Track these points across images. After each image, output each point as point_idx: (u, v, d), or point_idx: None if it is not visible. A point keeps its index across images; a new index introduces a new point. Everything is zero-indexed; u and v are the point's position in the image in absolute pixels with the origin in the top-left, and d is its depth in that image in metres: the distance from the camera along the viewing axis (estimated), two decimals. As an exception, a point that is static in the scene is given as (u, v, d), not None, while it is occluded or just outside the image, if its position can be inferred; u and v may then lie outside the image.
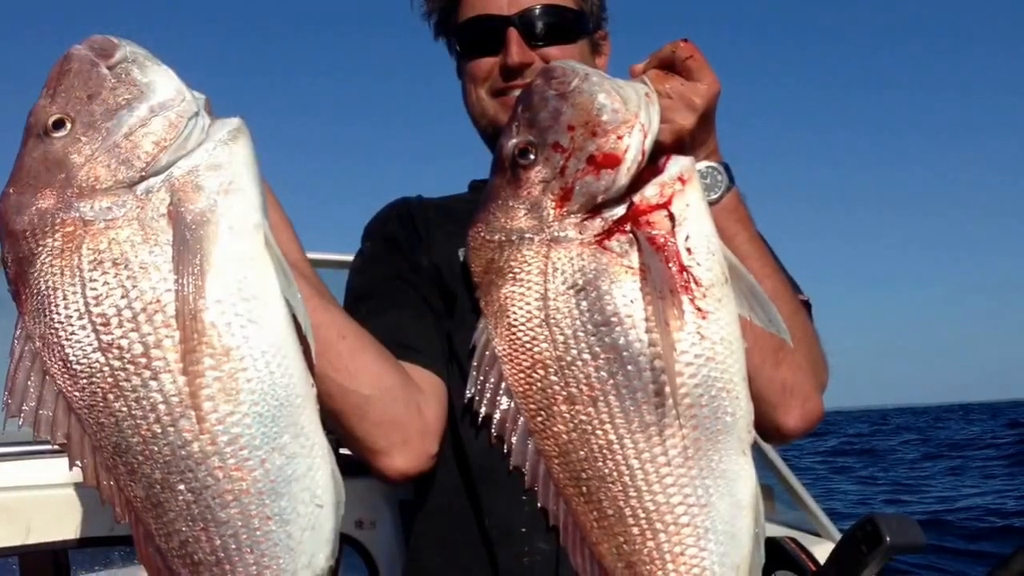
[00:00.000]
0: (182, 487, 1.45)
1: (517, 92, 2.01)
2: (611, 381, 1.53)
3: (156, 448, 1.44)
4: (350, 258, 2.26)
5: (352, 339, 1.77)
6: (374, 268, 2.16)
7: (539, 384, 1.57)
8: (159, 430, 1.43)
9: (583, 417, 1.55)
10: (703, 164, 1.75)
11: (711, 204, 1.68)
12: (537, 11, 2.07)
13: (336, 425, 1.80)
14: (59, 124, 1.47)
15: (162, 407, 1.42)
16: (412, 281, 2.12)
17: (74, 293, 1.42)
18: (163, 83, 1.49)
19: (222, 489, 1.45)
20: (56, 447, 1.47)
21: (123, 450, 1.45)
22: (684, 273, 1.53)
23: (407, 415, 1.86)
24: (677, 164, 1.59)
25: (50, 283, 1.43)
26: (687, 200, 1.57)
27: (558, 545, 1.63)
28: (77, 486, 2.39)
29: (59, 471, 2.39)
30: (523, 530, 1.95)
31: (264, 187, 1.54)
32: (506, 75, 2.10)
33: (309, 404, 1.49)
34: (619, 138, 1.55)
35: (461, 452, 2.02)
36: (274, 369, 1.45)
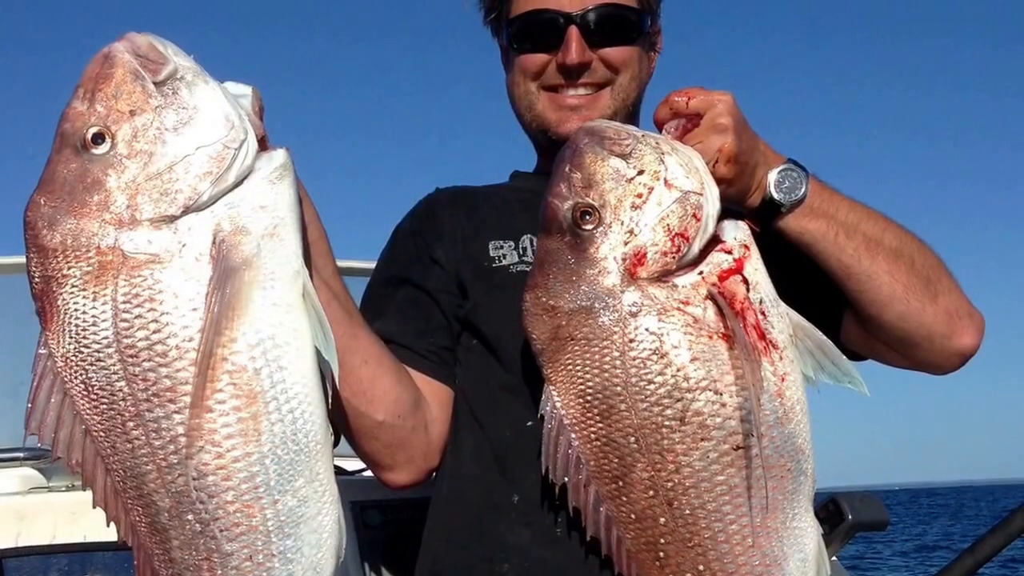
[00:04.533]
0: (190, 517, 1.47)
1: (571, 91, 2.01)
2: (696, 447, 1.55)
3: (170, 477, 1.45)
4: (370, 265, 2.23)
5: (373, 365, 1.77)
6: (390, 268, 2.13)
7: (617, 452, 1.58)
8: (176, 460, 1.44)
9: (667, 483, 1.56)
10: (774, 172, 1.73)
11: (802, 200, 1.71)
12: (601, 11, 2.00)
13: (346, 438, 1.82)
14: (98, 138, 1.43)
15: (182, 440, 1.43)
16: (426, 279, 2.08)
17: (104, 320, 1.41)
18: (212, 108, 1.45)
19: (231, 523, 1.47)
20: None
21: (136, 475, 1.46)
22: (763, 338, 1.56)
23: (415, 437, 1.88)
24: (735, 229, 1.61)
25: (80, 307, 1.42)
26: (755, 265, 1.60)
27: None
28: (17, 495, 2.40)
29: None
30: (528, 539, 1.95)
31: (308, 203, 1.55)
32: (562, 73, 2.05)
33: (326, 451, 1.51)
34: (694, 206, 1.56)
35: (479, 442, 2.00)
36: (298, 416, 1.47)
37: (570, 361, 1.59)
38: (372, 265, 2.17)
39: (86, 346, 1.42)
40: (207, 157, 1.43)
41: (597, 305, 1.57)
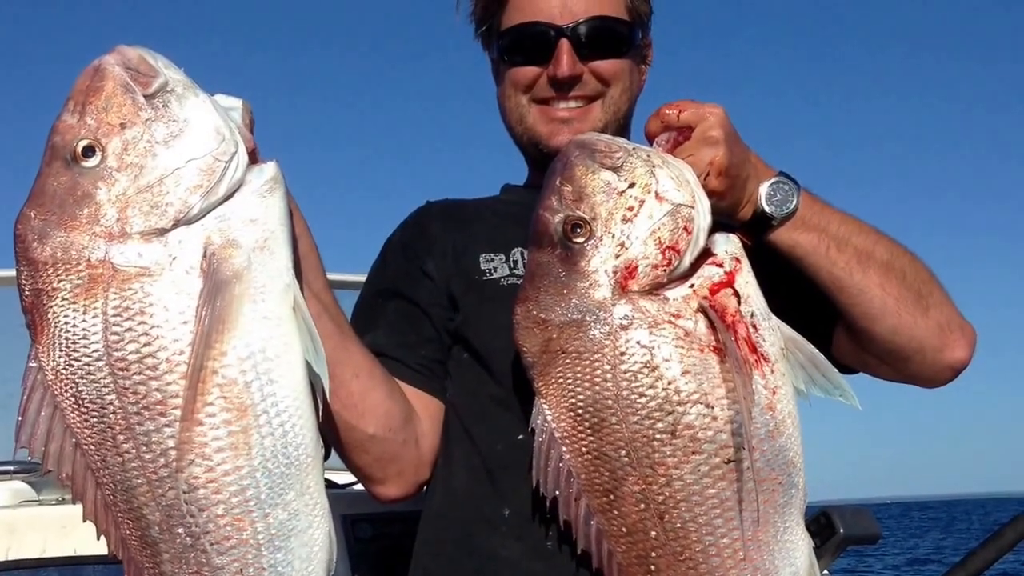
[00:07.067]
0: (181, 531, 1.46)
1: (562, 104, 2.01)
2: (687, 460, 1.54)
3: (161, 491, 1.45)
4: (360, 278, 2.23)
5: (364, 378, 1.77)
6: (381, 281, 2.13)
7: (608, 465, 1.57)
8: (166, 474, 1.44)
9: (658, 497, 1.56)
10: (766, 185, 1.73)
11: (793, 213, 1.72)
12: (592, 24, 2.00)
13: (337, 452, 1.82)
14: (88, 151, 1.43)
15: (173, 453, 1.43)
16: (417, 292, 2.07)
17: (95, 334, 1.41)
18: (202, 121, 1.45)
19: (222, 536, 1.47)
20: None
21: (126, 488, 1.46)
22: (754, 351, 1.56)
23: (406, 450, 1.88)
24: (727, 242, 1.62)
25: (70, 320, 1.42)
26: (746, 278, 1.60)
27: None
28: (7, 508, 2.38)
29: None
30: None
31: (299, 216, 1.54)
32: (553, 86, 2.05)
33: (317, 465, 1.51)
34: (685, 219, 1.56)
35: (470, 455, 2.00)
36: (288, 429, 1.47)
37: (561, 374, 1.59)
38: (363, 278, 2.17)
39: (76, 359, 1.42)
40: (197, 170, 1.43)
41: (588, 318, 1.56)
